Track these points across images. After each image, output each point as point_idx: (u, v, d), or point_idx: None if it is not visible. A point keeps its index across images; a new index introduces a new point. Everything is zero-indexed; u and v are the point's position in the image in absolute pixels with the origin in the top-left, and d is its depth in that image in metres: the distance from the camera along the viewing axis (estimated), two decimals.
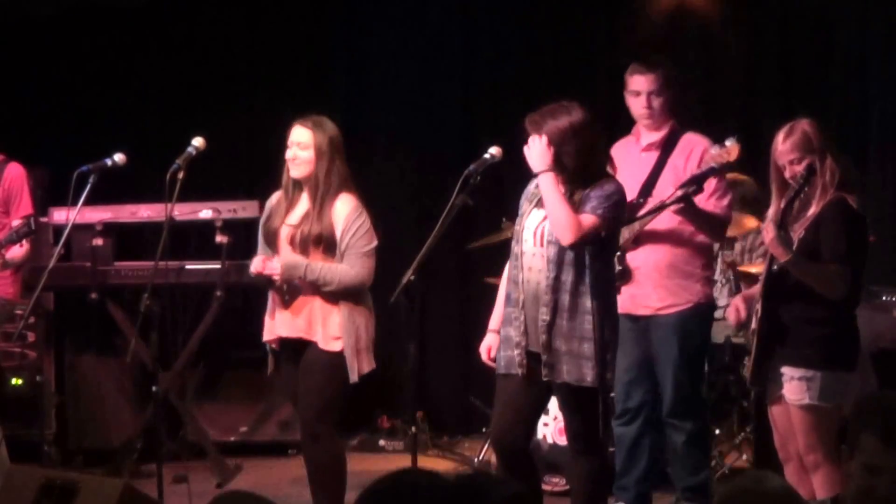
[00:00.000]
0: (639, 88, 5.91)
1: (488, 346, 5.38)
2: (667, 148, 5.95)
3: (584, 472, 5.23)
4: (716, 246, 7.16)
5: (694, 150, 5.92)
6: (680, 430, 5.91)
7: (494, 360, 5.33)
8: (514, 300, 5.20)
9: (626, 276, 5.78)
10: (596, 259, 5.09)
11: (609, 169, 5.22)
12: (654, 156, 5.95)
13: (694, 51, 8.35)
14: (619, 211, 5.18)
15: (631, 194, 5.78)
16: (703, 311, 6.00)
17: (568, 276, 5.08)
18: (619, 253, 5.62)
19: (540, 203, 5.19)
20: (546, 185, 5.08)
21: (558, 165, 5.10)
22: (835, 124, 7.28)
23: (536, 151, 5.10)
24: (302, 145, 5.68)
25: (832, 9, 8.02)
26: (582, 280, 5.08)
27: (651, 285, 5.87)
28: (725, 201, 5.90)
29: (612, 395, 5.81)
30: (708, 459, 6.23)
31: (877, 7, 7.85)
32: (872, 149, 7.83)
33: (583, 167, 5.12)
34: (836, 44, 8.03)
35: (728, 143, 5.59)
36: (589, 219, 5.04)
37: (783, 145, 5.14)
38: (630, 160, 5.90)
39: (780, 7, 8.21)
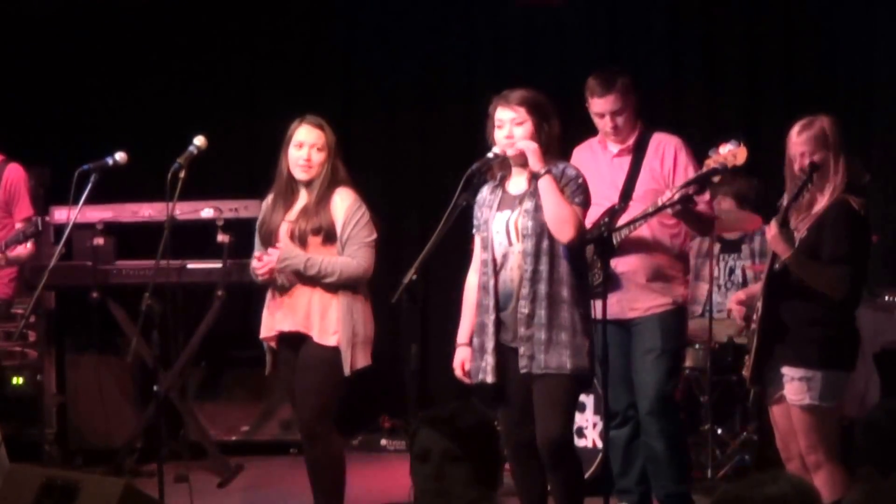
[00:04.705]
0: (600, 111, 5.94)
1: (462, 360, 5.35)
2: (639, 150, 5.97)
3: (560, 482, 5.21)
4: (717, 247, 7.18)
5: (667, 150, 5.94)
6: (660, 433, 5.90)
7: (468, 374, 5.33)
8: (485, 307, 5.22)
9: (613, 281, 5.80)
10: (569, 248, 5.12)
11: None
12: (627, 160, 5.97)
13: (695, 50, 8.35)
14: (589, 194, 5.24)
15: (610, 200, 5.87)
16: (683, 310, 6.07)
17: (544, 267, 5.12)
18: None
19: (501, 205, 5.22)
20: (547, 186, 5.09)
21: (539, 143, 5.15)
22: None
23: (532, 152, 5.12)
24: (317, 147, 5.67)
25: (836, 7, 8.02)
26: (556, 269, 5.12)
27: (638, 289, 5.90)
28: (708, 196, 5.93)
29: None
30: (689, 467, 6.22)
31: (881, 4, 7.84)
32: (875, 147, 7.84)
33: (552, 141, 5.17)
34: (839, 41, 8.03)
35: (732, 145, 5.57)
36: (579, 211, 5.12)
37: (798, 137, 5.12)
38: (602, 166, 5.96)
39: (783, 5, 8.20)
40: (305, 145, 5.68)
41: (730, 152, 5.57)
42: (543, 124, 5.18)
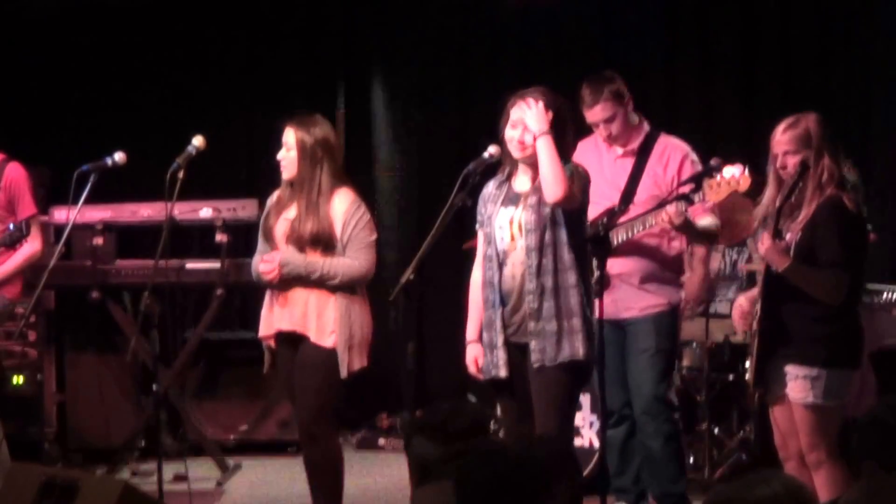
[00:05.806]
0: (593, 121, 5.97)
1: (474, 357, 5.34)
2: (643, 153, 5.99)
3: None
4: (716, 259, 7.17)
5: (672, 157, 5.96)
6: (656, 432, 5.92)
7: (481, 371, 5.33)
8: (492, 301, 5.23)
9: (607, 283, 5.81)
10: (571, 235, 5.14)
11: None
12: (630, 162, 5.98)
13: (693, 48, 8.37)
14: (589, 190, 5.24)
15: (610, 200, 5.88)
16: (677, 311, 6.08)
17: (548, 259, 5.13)
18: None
19: (505, 201, 5.22)
20: (545, 146, 5.09)
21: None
22: (836, 121, 7.29)
23: (534, 113, 5.11)
24: (288, 146, 5.68)
25: (836, 5, 8.02)
26: (561, 259, 5.13)
27: (632, 290, 5.93)
28: (711, 204, 5.92)
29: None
30: (685, 467, 6.24)
31: (881, 2, 7.84)
32: (874, 146, 7.84)
33: (563, 149, 5.17)
34: (837, 39, 8.03)
35: (736, 170, 5.52)
36: (573, 182, 5.12)
37: (782, 135, 5.11)
38: (604, 165, 5.96)
39: (780, 2, 8.21)
40: (283, 144, 5.70)
41: (733, 179, 5.55)
42: (557, 130, 5.17)
